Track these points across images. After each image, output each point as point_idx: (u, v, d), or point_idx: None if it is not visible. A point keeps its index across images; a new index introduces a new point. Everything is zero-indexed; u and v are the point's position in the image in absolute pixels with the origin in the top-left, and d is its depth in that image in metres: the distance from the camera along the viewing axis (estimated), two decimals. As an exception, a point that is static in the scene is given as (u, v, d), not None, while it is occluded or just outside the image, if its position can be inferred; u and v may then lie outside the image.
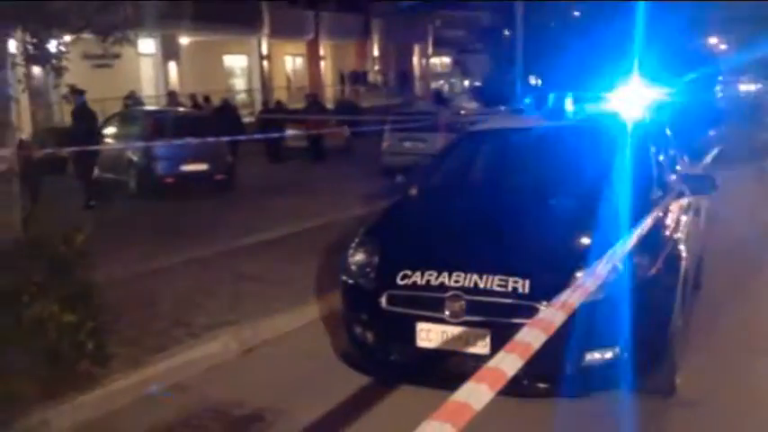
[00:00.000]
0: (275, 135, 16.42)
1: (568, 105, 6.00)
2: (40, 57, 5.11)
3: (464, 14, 41.66)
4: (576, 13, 30.32)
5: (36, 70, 10.08)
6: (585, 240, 4.41)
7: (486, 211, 4.88)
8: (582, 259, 4.13)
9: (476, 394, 1.88)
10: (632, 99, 6.54)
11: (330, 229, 8.93)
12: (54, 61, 5.10)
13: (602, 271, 3.67)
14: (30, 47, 5.12)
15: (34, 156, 9.64)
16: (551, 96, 6.20)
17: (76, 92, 11.30)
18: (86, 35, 5.58)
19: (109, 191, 12.45)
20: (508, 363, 2.09)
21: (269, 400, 4.47)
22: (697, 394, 4.37)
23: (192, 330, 5.48)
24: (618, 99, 6.57)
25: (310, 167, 16.89)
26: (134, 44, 5.86)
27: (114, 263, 7.10)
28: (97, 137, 12.50)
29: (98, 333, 4.58)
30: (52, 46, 5.03)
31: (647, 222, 4.22)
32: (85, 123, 11.62)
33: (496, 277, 4.06)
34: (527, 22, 19.21)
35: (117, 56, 23.84)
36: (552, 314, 2.74)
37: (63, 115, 17.71)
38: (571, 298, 2.96)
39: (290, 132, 17.56)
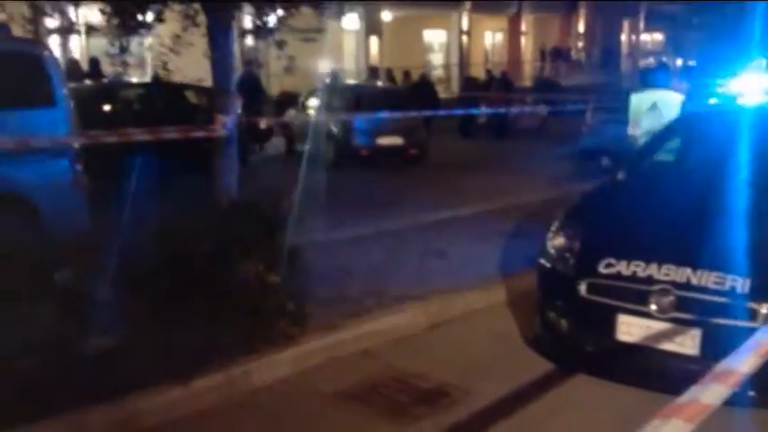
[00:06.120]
0: (448, 112, 16.30)
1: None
2: (263, 31, 5.41)
3: (681, -14, 38.74)
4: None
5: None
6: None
7: (701, 202, 4.46)
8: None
9: (712, 393, 1.71)
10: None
11: (520, 210, 8.72)
12: (275, 35, 5.39)
13: None
14: (256, 21, 5.43)
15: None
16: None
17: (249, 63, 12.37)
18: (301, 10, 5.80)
19: (309, 160, 13.07)
20: (746, 363, 1.90)
21: (454, 377, 4.44)
22: None
23: (383, 300, 5.57)
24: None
25: (503, 146, 16.63)
26: (339, 19, 6.04)
27: (311, 229, 7.41)
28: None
29: (298, 295, 4.79)
30: (272, 21, 5.30)
31: None
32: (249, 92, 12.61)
33: (713, 273, 3.74)
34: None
35: (321, 30, 25.03)
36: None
37: (282, 86, 18.95)
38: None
39: (478, 110, 17.36)
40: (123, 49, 5.22)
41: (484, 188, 10.52)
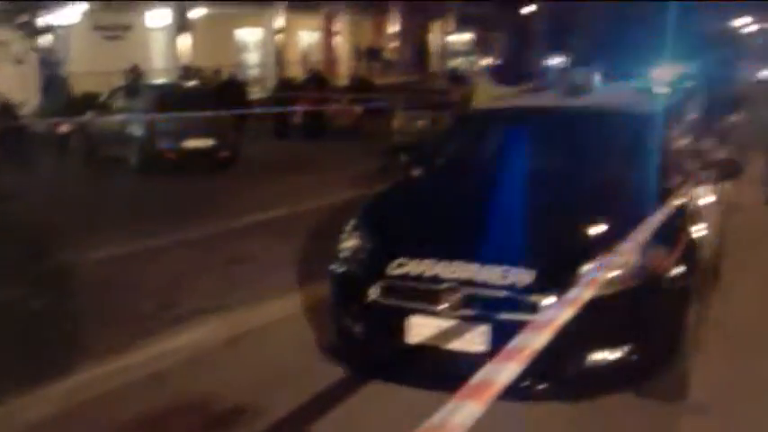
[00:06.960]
0: (262, 111, 16.05)
1: (588, 83, 5.65)
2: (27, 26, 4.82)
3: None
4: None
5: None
6: (594, 231, 4.07)
7: (489, 197, 4.49)
8: (589, 252, 3.80)
9: (464, 412, 1.67)
10: (658, 78, 6.24)
11: (329, 210, 8.61)
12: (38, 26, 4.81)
13: (613, 264, 3.36)
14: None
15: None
16: (573, 74, 5.89)
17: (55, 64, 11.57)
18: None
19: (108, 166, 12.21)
20: (505, 372, 1.84)
21: (251, 395, 4.19)
22: (710, 398, 4.02)
23: (178, 316, 5.21)
24: (644, 78, 6.29)
25: (318, 145, 16.53)
26: (142, 15, 5.54)
27: (104, 241, 6.84)
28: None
29: (72, 318, 4.32)
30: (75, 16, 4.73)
31: (664, 212, 3.88)
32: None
33: (497, 269, 3.73)
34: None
35: (127, 28, 23.61)
36: (559, 312, 2.48)
37: (84, 87, 17.46)
38: (582, 294, 2.68)
39: (288, 109, 17.18)
40: None
41: (295, 190, 10.33)
